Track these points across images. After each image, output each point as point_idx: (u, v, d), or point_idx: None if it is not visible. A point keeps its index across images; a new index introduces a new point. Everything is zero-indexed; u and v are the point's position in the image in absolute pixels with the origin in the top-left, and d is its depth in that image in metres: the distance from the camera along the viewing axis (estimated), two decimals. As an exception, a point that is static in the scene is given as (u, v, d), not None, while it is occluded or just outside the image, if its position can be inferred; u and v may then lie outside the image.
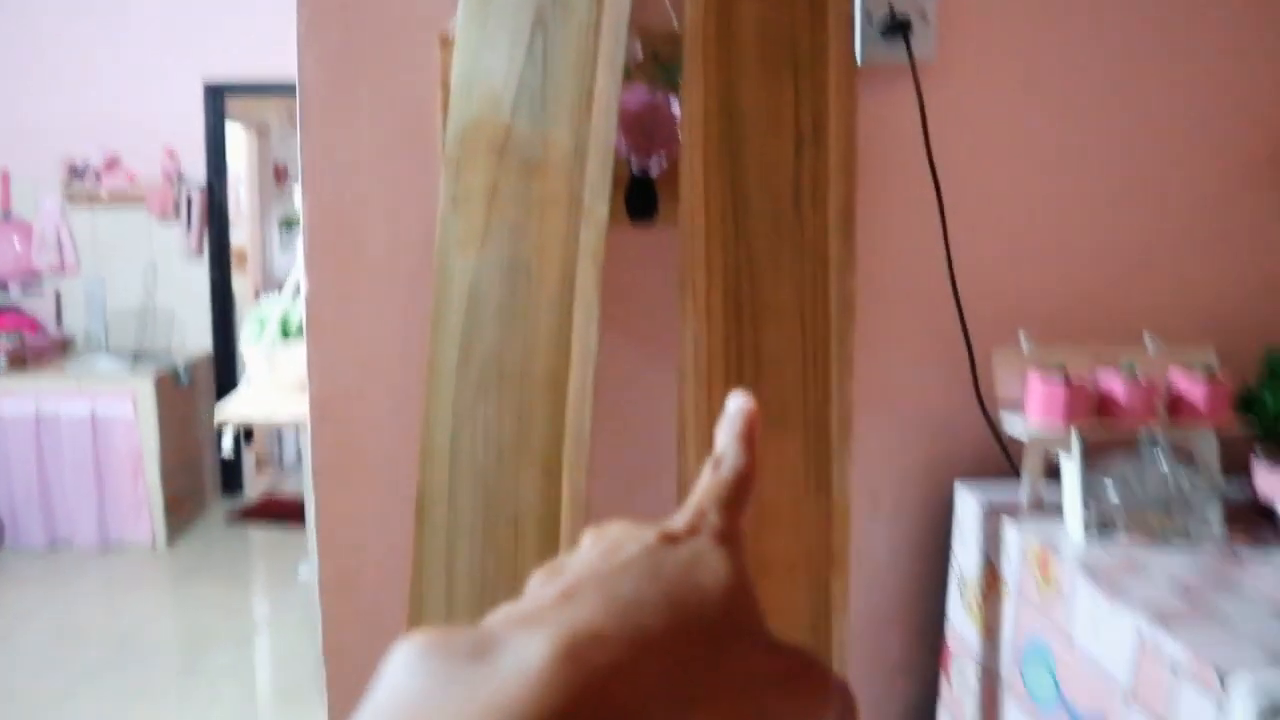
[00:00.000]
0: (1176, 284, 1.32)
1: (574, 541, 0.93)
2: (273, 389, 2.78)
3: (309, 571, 3.66)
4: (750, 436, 0.38)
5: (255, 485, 5.28)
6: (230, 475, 5.13)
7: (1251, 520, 1.13)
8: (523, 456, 1.00)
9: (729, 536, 0.34)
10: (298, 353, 2.84)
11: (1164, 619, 0.85)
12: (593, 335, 0.98)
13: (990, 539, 1.16)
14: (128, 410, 4.28)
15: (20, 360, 4.41)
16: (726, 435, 0.38)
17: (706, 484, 0.36)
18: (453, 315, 1.01)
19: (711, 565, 0.32)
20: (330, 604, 1.33)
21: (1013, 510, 1.15)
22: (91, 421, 4.29)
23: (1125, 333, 1.24)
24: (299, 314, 2.84)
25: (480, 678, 0.26)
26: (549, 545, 0.99)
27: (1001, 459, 1.27)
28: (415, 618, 1.02)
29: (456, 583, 1.01)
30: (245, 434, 5.14)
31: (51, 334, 4.76)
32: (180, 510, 4.51)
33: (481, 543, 1.00)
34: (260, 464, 5.62)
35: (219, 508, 4.93)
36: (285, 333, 2.74)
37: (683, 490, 1.05)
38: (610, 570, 0.31)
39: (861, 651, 1.34)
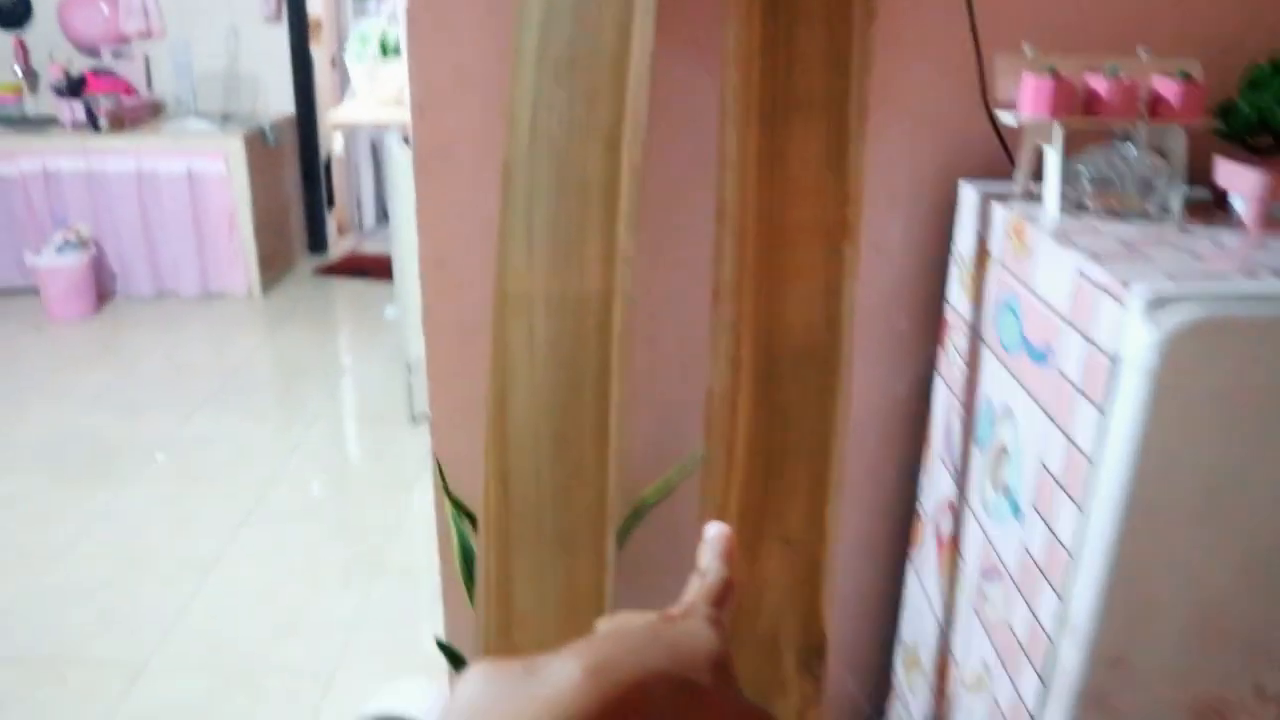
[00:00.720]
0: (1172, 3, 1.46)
1: (633, 205, 1.16)
2: (374, 101, 3.02)
3: (395, 311, 4.00)
4: (729, 555, 0.49)
5: (338, 247, 5.61)
6: (315, 237, 5.46)
7: (1210, 210, 1.32)
8: (590, 133, 1.22)
9: (716, 621, 0.43)
10: (395, 69, 3.06)
11: (1100, 258, 1.06)
12: (649, 27, 1.18)
13: (983, 220, 1.37)
14: (221, 168, 4.57)
15: (119, 121, 4.69)
16: (709, 555, 0.49)
17: (695, 589, 0.46)
18: (534, 12, 1.21)
19: (702, 637, 0.41)
20: (430, 280, 1.59)
21: (1004, 198, 1.35)
22: (188, 178, 4.60)
23: (1125, 49, 1.40)
24: (396, 34, 3.04)
25: (531, 687, 0.35)
26: (610, 206, 1.23)
27: (1005, 163, 1.47)
28: (502, 268, 1.27)
29: (535, 237, 1.26)
30: (328, 194, 5.44)
31: (143, 96, 5.01)
32: (272, 265, 4.87)
33: (556, 203, 1.24)
34: (341, 229, 5.93)
35: (306, 265, 5.28)
36: (384, 51, 2.95)
37: (723, 157, 1.27)
38: (622, 630, 0.40)
39: (873, 323, 1.59)
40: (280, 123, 5.00)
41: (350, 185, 5.84)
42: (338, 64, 5.41)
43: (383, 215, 6.17)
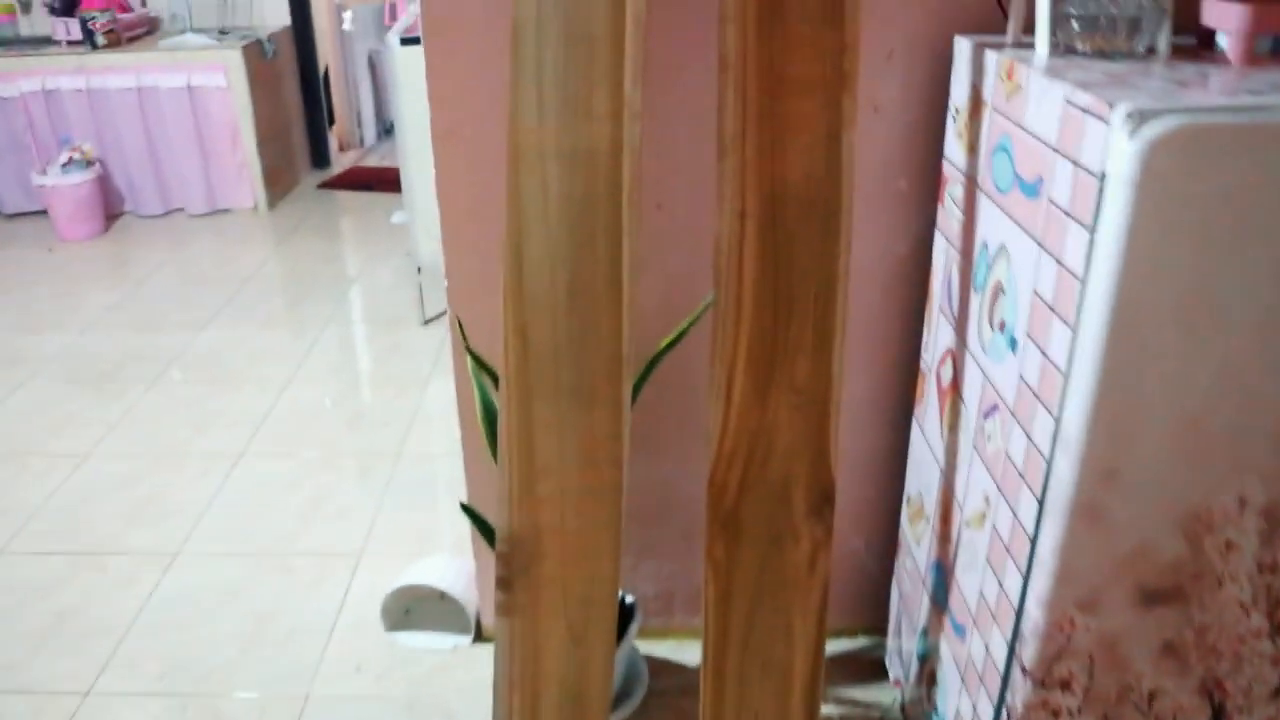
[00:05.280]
0: None
1: (638, 58, 1.20)
2: None
3: (403, 217, 4.03)
4: None
5: (340, 163, 5.62)
6: (317, 153, 5.46)
7: (1198, 52, 1.35)
8: (591, -12, 1.25)
9: None
10: None
11: (1086, 86, 1.10)
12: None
13: (976, 69, 1.40)
14: (221, 81, 4.57)
15: (115, 38, 4.68)
16: None
17: None
18: None
19: None
20: (442, 148, 1.63)
21: (998, 47, 1.39)
22: (188, 93, 4.60)
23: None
24: None
25: None
26: (616, 59, 1.27)
27: (1000, 20, 1.49)
28: (514, 125, 1.31)
29: (545, 93, 1.29)
30: (328, 111, 5.44)
31: (138, 13, 4.98)
32: (276, 180, 4.89)
33: (563, 59, 1.28)
34: (342, 146, 5.93)
35: (310, 180, 5.30)
36: None
37: (723, 9, 1.30)
38: None
39: (873, 183, 1.63)
40: (277, 35, 4.98)
41: (349, 101, 5.83)
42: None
43: (384, 132, 6.16)
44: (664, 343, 1.61)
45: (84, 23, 4.68)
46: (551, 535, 1.42)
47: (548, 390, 1.37)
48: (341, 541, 2.43)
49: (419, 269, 3.49)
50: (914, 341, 1.76)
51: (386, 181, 5.14)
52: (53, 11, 4.87)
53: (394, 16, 5.50)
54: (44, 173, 4.55)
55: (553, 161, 1.32)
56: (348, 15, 5.60)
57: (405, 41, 3.14)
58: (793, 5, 1.33)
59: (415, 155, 3.25)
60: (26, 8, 5.18)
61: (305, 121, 5.36)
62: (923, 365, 1.68)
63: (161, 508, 2.61)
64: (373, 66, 6.00)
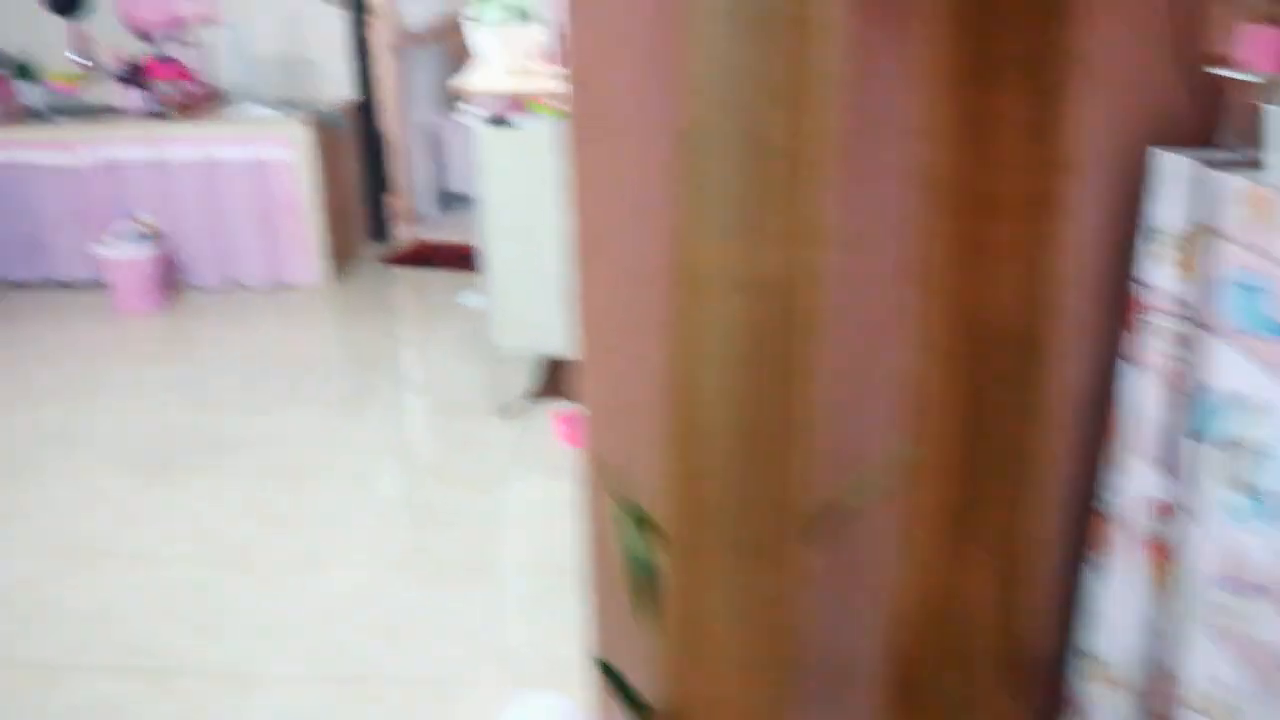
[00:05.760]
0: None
1: (829, 176, 1.04)
2: (502, 69, 2.92)
3: (477, 300, 3.90)
4: None
5: (399, 236, 5.52)
6: (377, 226, 5.37)
7: None
8: (779, 96, 1.10)
9: None
10: (528, 33, 2.91)
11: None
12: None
13: (1197, 191, 1.24)
14: (287, 154, 4.49)
15: (182, 108, 4.62)
16: None
17: None
18: None
19: None
20: (586, 263, 1.48)
21: (1223, 165, 1.23)
22: (253, 166, 4.53)
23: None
24: None
25: None
26: (804, 177, 1.12)
27: (1198, 128, 1.34)
28: (684, 246, 1.16)
29: (720, 212, 1.14)
30: (381, 183, 5.36)
31: (204, 83, 4.94)
32: (337, 254, 4.79)
33: (743, 175, 1.12)
34: (400, 217, 5.84)
35: (370, 254, 5.20)
36: (516, 13, 2.84)
37: (918, 122, 1.15)
38: None
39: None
40: (340, 107, 4.91)
41: (406, 172, 5.75)
42: (394, 45, 5.31)
43: (441, 202, 6.08)
44: (848, 495, 1.43)
45: (151, 93, 4.64)
46: (716, 709, 1.24)
47: (717, 546, 1.20)
48: (429, 666, 2.25)
49: (495, 355, 3.36)
50: (1089, 479, 1.58)
51: (449, 258, 5.04)
52: (120, 81, 4.84)
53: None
54: (105, 244, 4.48)
55: (729, 289, 1.16)
56: (468, 107, 5.55)
57: (491, 122, 3.03)
58: (1000, 118, 1.18)
59: (498, 240, 3.13)
60: (94, 77, 5.15)
61: (366, 194, 5.28)
62: (1108, 508, 1.50)
63: (232, 620, 2.45)
64: (430, 136, 5.94)
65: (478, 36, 2.97)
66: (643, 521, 1.45)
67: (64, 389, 3.82)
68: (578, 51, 1.41)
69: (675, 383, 1.17)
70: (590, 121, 1.43)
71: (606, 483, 1.52)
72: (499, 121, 3.04)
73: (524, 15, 2.87)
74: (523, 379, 3.40)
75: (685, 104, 1.15)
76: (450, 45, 6.53)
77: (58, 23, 5.11)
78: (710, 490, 1.20)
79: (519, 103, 3.11)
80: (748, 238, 1.15)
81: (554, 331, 3.22)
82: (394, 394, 3.63)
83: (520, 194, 3.08)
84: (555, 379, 3.52)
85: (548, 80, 2.80)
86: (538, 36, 2.94)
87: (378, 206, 5.35)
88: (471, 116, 3.14)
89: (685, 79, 1.15)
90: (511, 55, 2.90)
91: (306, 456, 3.22)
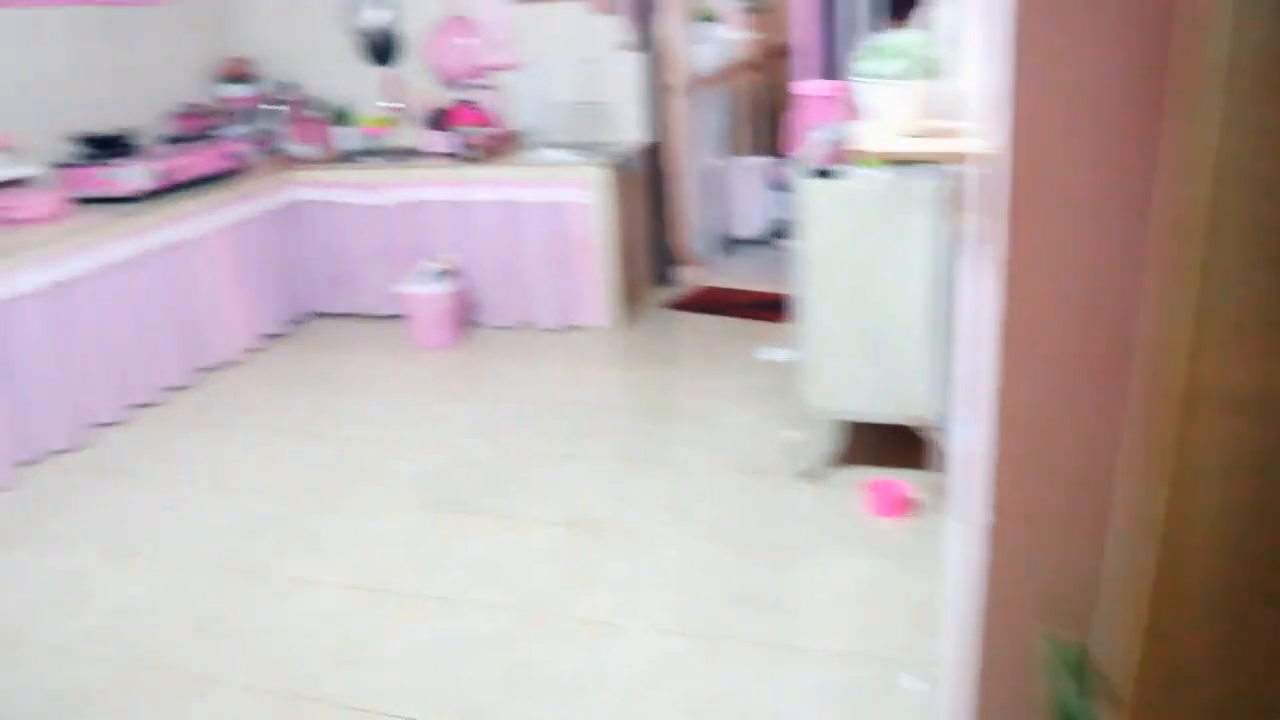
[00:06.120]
0: None
1: None
2: (896, 128, 2.77)
3: (781, 355, 3.78)
4: None
5: (684, 278, 5.48)
6: (661, 270, 5.35)
7: None
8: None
9: None
10: (936, 90, 2.73)
11: None
12: None
13: None
14: (582, 196, 4.52)
15: (483, 152, 4.75)
16: None
17: None
18: (1224, 9, 0.88)
19: None
20: (1015, 348, 1.29)
21: None
22: (550, 208, 4.59)
23: None
24: (941, 50, 2.75)
25: None
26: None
27: None
28: (1177, 353, 0.94)
29: (1233, 316, 0.92)
30: (667, 227, 5.31)
31: (502, 127, 5.07)
32: (626, 297, 4.78)
33: (1252, 265, 0.90)
34: (685, 261, 5.80)
35: (655, 298, 5.17)
36: (920, 71, 2.70)
37: None
38: None
39: None
40: (632, 150, 4.91)
41: (691, 216, 5.70)
42: (682, 89, 5.28)
43: (724, 247, 6.01)
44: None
45: (455, 137, 4.79)
46: None
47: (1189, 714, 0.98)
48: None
49: (795, 414, 3.19)
50: None
51: (736, 305, 4.93)
52: (426, 126, 5.04)
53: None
54: (407, 281, 4.64)
55: (1231, 408, 0.93)
56: (788, 156, 5.50)
57: (815, 173, 2.88)
58: None
59: (816, 295, 2.97)
60: (402, 121, 5.41)
61: (652, 238, 5.26)
62: None
63: (539, 678, 2.38)
64: (709, 179, 5.88)
65: (868, 91, 2.80)
66: (1082, 670, 1.23)
67: (362, 419, 3.95)
68: (1020, 111, 1.22)
69: (1150, 515, 0.96)
70: (1034, 193, 1.24)
71: (1033, 610, 1.31)
72: (823, 173, 2.88)
73: (929, 70, 2.69)
74: (826, 441, 3.21)
75: (1183, 181, 0.94)
76: (734, 88, 6.49)
77: (373, 72, 5.40)
78: (1191, 650, 0.98)
79: (843, 154, 2.95)
80: (1262, 348, 0.92)
81: (870, 395, 3.03)
82: (686, 448, 3.53)
83: (843, 248, 2.91)
84: (862, 444, 3.32)
85: (955, 140, 2.59)
86: (942, 92, 2.73)
87: (664, 250, 5.32)
88: (792, 166, 2.99)
89: (1184, 151, 0.94)
90: (909, 112, 2.72)
91: (598, 509, 3.15)
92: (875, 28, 3.06)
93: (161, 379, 4.28)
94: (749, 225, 6.14)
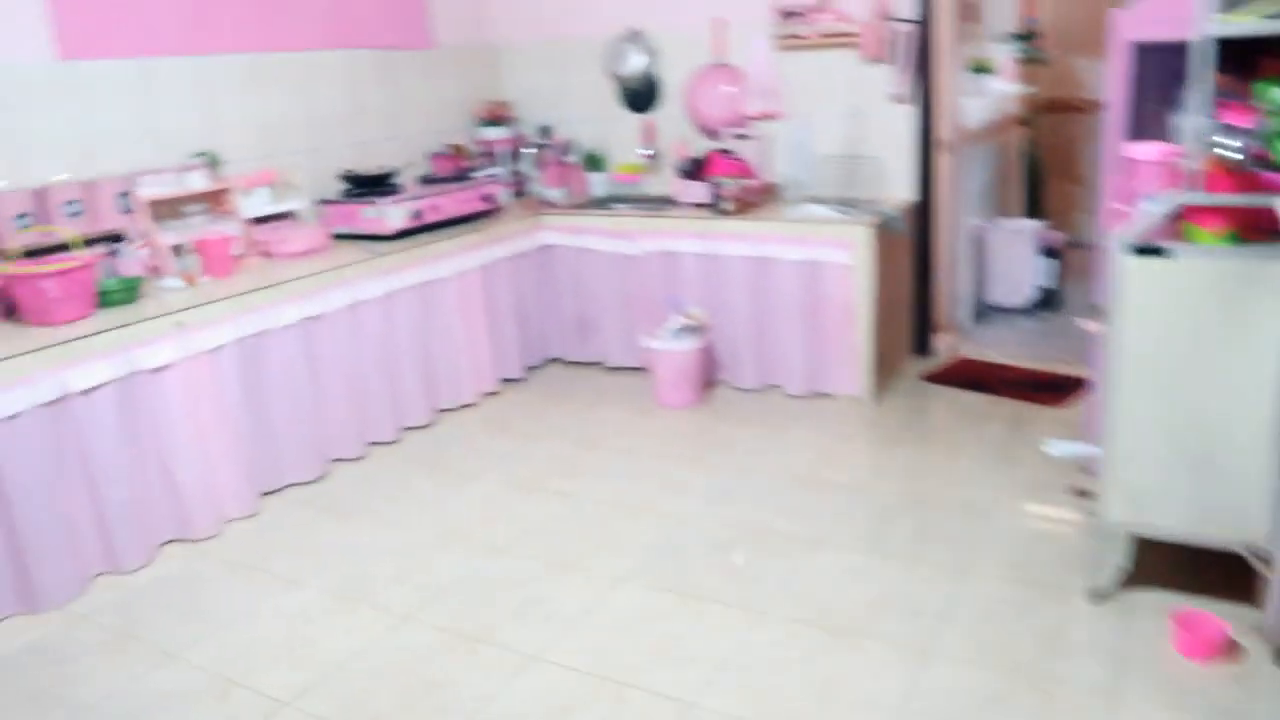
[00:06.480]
0: None
1: None
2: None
3: (1067, 448, 3.32)
4: None
5: (940, 347, 5.04)
6: (920, 337, 4.93)
7: None
8: None
9: None
10: None
11: None
12: None
13: None
14: (844, 257, 4.19)
15: (740, 205, 4.50)
16: None
17: None
18: None
19: None
20: None
21: None
22: (808, 267, 4.28)
23: None
24: None
25: None
26: None
27: None
28: None
29: None
30: (927, 292, 4.91)
31: (761, 179, 4.82)
32: (881, 366, 4.39)
33: None
34: (937, 327, 5.37)
35: (910, 368, 4.76)
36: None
37: None
38: None
39: None
40: (901, 210, 4.54)
41: (951, 281, 5.26)
42: (948, 144, 4.88)
43: (978, 314, 5.53)
44: None
45: (712, 188, 4.57)
46: None
47: None
48: None
49: (1081, 520, 2.73)
50: None
51: (1004, 383, 4.46)
52: (681, 174, 4.85)
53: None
54: (653, 334, 4.44)
55: None
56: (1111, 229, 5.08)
57: (1138, 250, 2.45)
58: None
59: (1130, 390, 2.53)
60: (656, 168, 5.26)
61: (913, 303, 4.86)
62: None
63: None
64: (972, 245, 5.43)
65: (1215, 154, 2.37)
66: None
67: (596, 477, 3.75)
68: None
69: None
70: None
71: None
72: (1149, 249, 2.45)
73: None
74: (1124, 557, 2.73)
75: None
76: (1001, 145, 6.00)
77: (629, 118, 5.29)
78: None
79: (1177, 228, 2.50)
80: None
81: (1187, 511, 2.55)
82: (950, 546, 3.11)
83: (1168, 337, 2.47)
84: (1169, 565, 2.82)
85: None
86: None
87: (923, 317, 4.91)
88: (1110, 239, 2.58)
89: None
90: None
91: (850, 610, 2.80)
92: (1200, 84, 2.61)
93: (399, 418, 4.24)
94: (1012, 293, 5.63)
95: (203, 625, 2.93)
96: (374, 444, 4.15)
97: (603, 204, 5.18)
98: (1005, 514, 3.29)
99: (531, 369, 5.04)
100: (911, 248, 4.77)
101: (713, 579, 3.00)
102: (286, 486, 3.79)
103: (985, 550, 3.08)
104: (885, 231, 4.30)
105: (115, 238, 3.67)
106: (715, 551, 3.16)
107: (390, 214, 4.24)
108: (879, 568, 3.01)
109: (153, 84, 3.93)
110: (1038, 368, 4.63)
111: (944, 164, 4.75)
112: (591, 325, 4.97)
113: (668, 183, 5.12)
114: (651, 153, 5.25)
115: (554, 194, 5.29)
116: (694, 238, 4.53)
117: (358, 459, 4.04)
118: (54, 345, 3.02)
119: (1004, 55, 5.93)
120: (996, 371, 4.62)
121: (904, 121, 4.65)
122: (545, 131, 5.48)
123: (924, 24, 4.53)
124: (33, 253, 3.40)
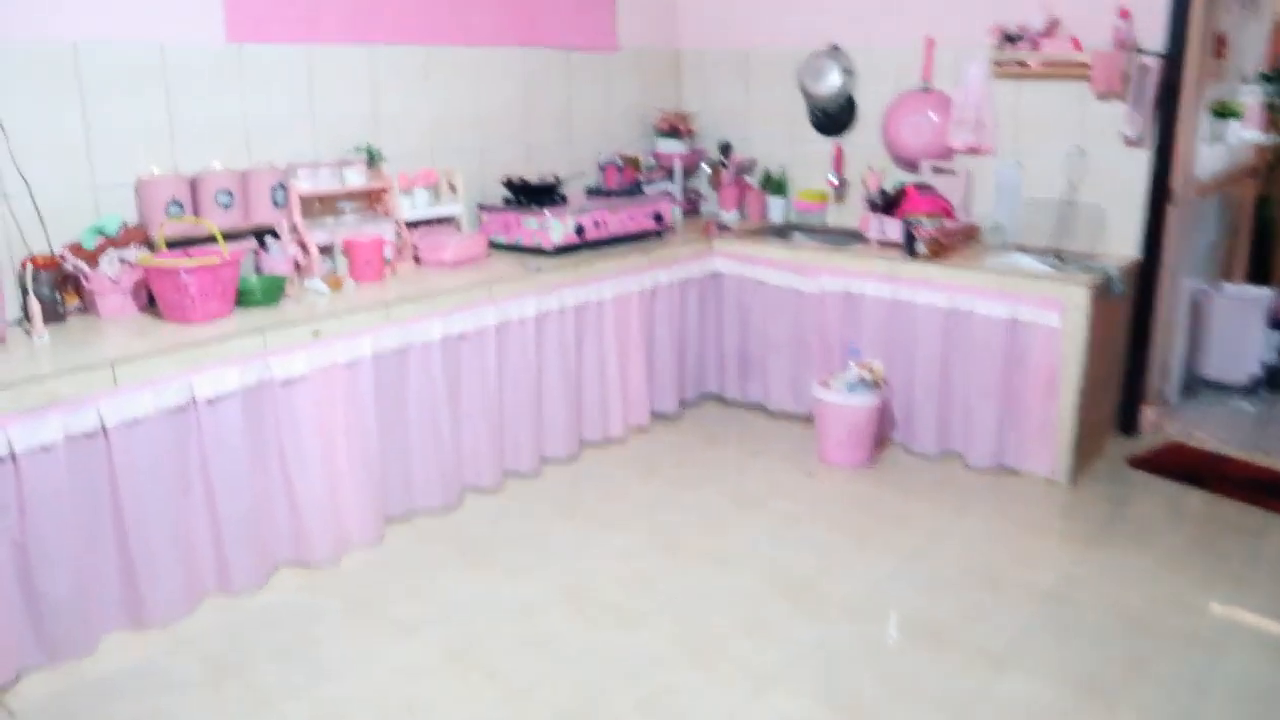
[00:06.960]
0: None
1: None
2: None
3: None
4: None
5: (1147, 427, 4.42)
6: (1127, 415, 4.33)
7: None
8: None
9: None
10: None
11: None
12: None
13: None
14: (1053, 319, 3.66)
15: (937, 248, 4.01)
16: None
17: None
18: None
19: None
20: None
21: None
22: (1008, 326, 3.76)
23: None
24: None
25: None
26: None
27: None
28: None
29: None
30: (1141, 364, 4.30)
31: (962, 221, 4.32)
32: (1082, 445, 3.83)
33: None
34: (1150, 404, 4.75)
35: (1115, 449, 4.17)
36: None
37: None
38: None
39: None
40: (1123, 270, 3.97)
41: (1164, 351, 4.63)
42: (1181, 202, 4.26)
43: (1186, 388, 4.87)
44: None
45: (905, 226, 4.10)
46: None
47: None
48: None
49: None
50: None
51: (1226, 479, 3.84)
52: (871, 207, 4.40)
53: None
54: (826, 385, 4.00)
55: None
56: None
57: None
58: None
59: None
60: (841, 197, 4.81)
61: (1124, 376, 4.27)
62: None
63: None
64: (1190, 311, 4.78)
65: None
66: None
67: (749, 544, 3.35)
68: None
69: None
70: None
71: None
72: None
73: None
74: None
75: None
76: (1231, 199, 5.31)
77: (819, 141, 4.85)
78: None
79: None
80: None
81: None
82: (1181, 690, 2.58)
83: None
84: None
85: None
86: None
87: (1131, 391, 4.31)
88: None
89: None
90: None
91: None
92: None
93: (540, 448, 3.92)
94: (1231, 368, 4.95)
95: (306, 670, 2.67)
96: (511, 474, 3.84)
97: (781, 233, 4.77)
98: (1239, 650, 2.74)
99: (686, 404, 4.66)
100: (1129, 312, 4.18)
101: (875, 692, 2.56)
102: (415, 515, 3.52)
103: (1221, 696, 2.54)
104: (1105, 293, 3.75)
105: (264, 232, 3.47)
106: (879, 658, 2.72)
107: (554, 227, 3.93)
108: (1086, 710, 2.50)
109: (317, 72, 3.72)
110: (1271, 464, 3.98)
111: (1173, 218, 4.15)
112: (757, 365, 4.56)
113: (855, 215, 4.67)
114: (839, 181, 4.80)
115: (729, 217, 4.91)
116: (880, 280, 4.06)
117: (493, 491, 3.74)
118: (186, 347, 2.81)
119: (1251, 98, 5.23)
120: (1215, 464, 3.99)
121: (1135, 167, 4.07)
122: (725, 149, 5.10)
123: (1172, 58, 3.95)
124: (178, 243, 3.22)
